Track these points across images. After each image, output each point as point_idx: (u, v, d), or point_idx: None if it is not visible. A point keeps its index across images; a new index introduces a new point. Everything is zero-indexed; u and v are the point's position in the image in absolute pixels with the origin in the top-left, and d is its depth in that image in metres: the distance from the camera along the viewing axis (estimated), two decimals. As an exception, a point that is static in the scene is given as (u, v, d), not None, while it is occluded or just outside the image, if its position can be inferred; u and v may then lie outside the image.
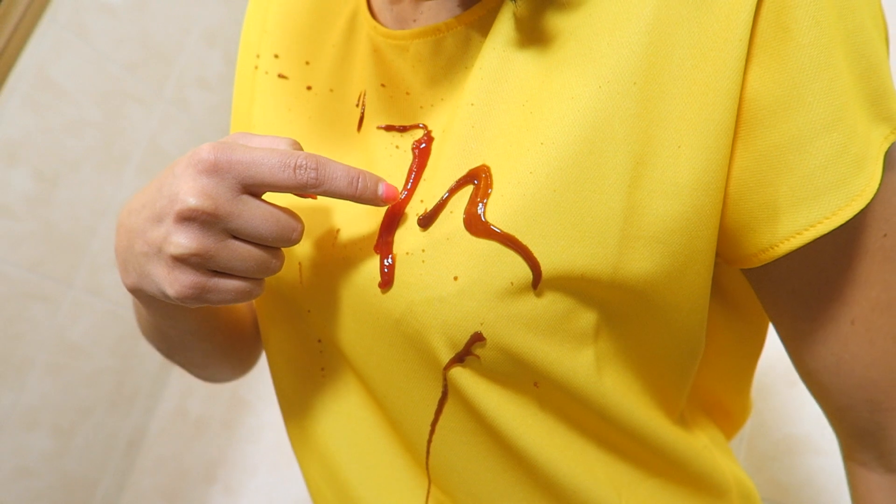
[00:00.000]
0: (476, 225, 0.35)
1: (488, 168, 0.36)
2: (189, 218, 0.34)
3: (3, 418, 1.11)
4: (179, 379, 1.29)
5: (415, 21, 0.43)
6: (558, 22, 0.36)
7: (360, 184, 0.37)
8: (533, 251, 0.34)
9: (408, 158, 0.41)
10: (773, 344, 0.47)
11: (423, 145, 0.40)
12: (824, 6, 0.32)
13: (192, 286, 0.35)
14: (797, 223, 0.33)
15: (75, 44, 1.13)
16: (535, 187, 0.34)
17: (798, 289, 0.37)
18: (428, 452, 0.41)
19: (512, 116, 0.36)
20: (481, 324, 0.35)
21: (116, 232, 0.41)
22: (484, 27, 0.39)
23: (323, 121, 0.47)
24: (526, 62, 0.37)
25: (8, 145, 1.07)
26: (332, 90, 0.47)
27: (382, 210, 0.40)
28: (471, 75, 0.38)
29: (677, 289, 0.36)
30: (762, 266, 0.37)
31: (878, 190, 0.34)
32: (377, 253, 0.39)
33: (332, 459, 0.46)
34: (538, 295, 0.35)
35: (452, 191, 0.37)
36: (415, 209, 0.38)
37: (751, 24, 0.32)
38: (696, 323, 0.40)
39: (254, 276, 0.37)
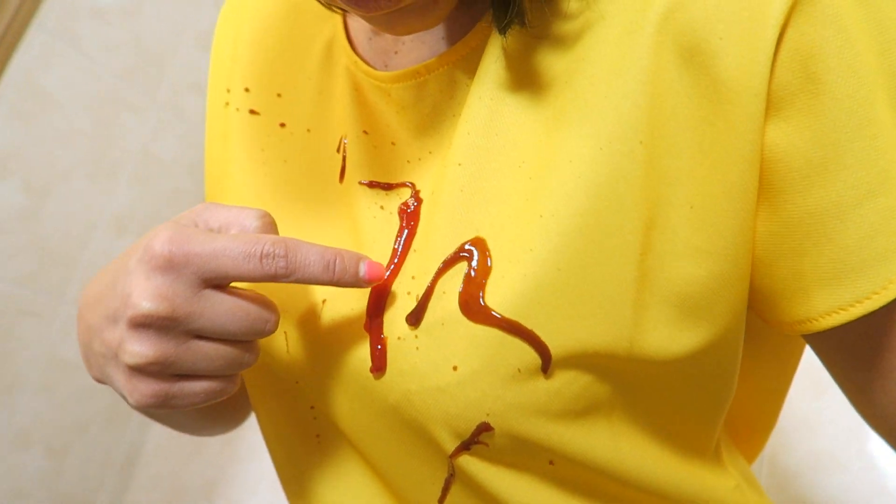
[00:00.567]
0: (474, 310, 0.31)
1: (484, 241, 0.32)
2: (143, 325, 0.30)
3: (-6, 439, 1.08)
4: (176, 394, 1.26)
5: (396, 53, 0.38)
6: (552, 63, 0.32)
7: (337, 267, 0.32)
8: (539, 335, 0.30)
9: (394, 222, 0.37)
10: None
11: (412, 209, 0.36)
12: (860, 49, 0.28)
13: (153, 395, 0.31)
14: (841, 298, 0.29)
15: (65, 50, 1.10)
16: (535, 266, 0.30)
17: (850, 344, 0.33)
18: None
19: (506, 179, 0.32)
20: (487, 414, 0.31)
21: (77, 320, 0.37)
22: (470, 67, 0.35)
23: (300, 166, 0.42)
24: (517, 113, 0.33)
25: (-4, 156, 1.03)
26: (309, 130, 0.43)
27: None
28: (457, 129, 0.34)
29: (702, 355, 0.32)
30: None
31: None
32: (366, 332, 0.35)
33: None
34: (549, 378, 0.31)
35: (443, 268, 0.33)
36: (405, 286, 0.34)
37: (768, 75, 0.28)
38: (727, 375, 0.36)
39: (224, 374, 0.33)
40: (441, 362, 0.32)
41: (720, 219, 0.30)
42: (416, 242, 0.35)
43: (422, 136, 0.37)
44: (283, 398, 0.43)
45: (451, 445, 0.33)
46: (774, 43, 0.28)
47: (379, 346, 0.34)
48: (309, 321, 0.38)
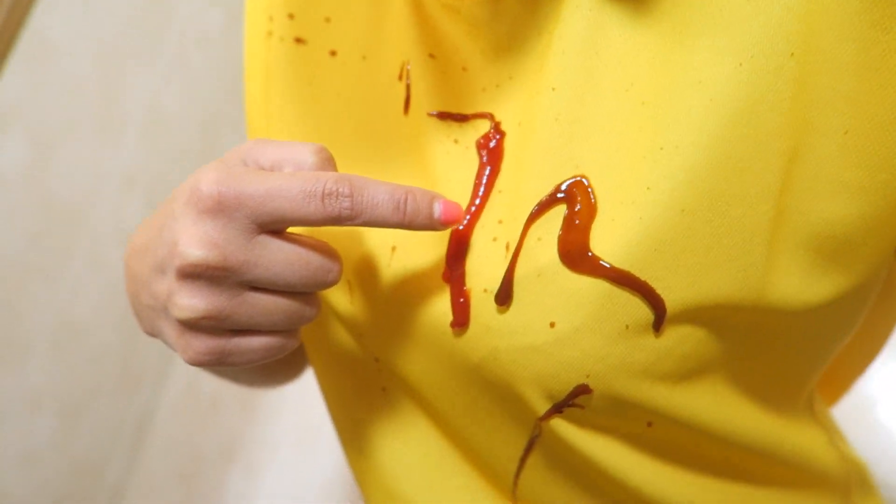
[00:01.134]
0: (577, 259, 0.27)
1: (587, 179, 0.28)
2: (193, 275, 0.27)
3: (5, 402, 1.05)
4: (188, 356, 1.23)
5: None
6: None
7: (409, 207, 0.29)
8: (655, 287, 0.27)
9: (471, 158, 0.33)
10: None
11: (493, 143, 0.32)
12: None
13: (208, 352, 0.28)
14: None
15: (67, -4, 1.04)
16: (654, 208, 0.26)
17: None
18: (516, 484, 0.35)
19: (613, 107, 0.28)
20: (587, 376, 0.28)
21: (124, 270, 0.33)
22: None
23: (357, 99, 0.38)
24: (625, 25, 0.28)
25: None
26: (364, 57, 0.38)
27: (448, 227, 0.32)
28: (551, 48, 0.30)
29: (835, 305, 0.29)
30: None
31: None
32: (446, 283, 0.32)
33: (400, 489, 0.39)
34: (660, 336, 0.28)
35: (537, 212, 0.29)
36: (490, 231, 0.31)
37: None
38: (852, 325, 0.33)
39: (283, 329, 0.30)
40: (536, 318, 0.28)
41: (879, 150, 0.26)
42: (502, 182, 0.32)
43: (499, 59, 0.33)
44: (345, 351, 0.40)
45: (541, 408, 0.30)
46: None
47: (461, 300, 0.31)
48: (376, 270, 0.35)
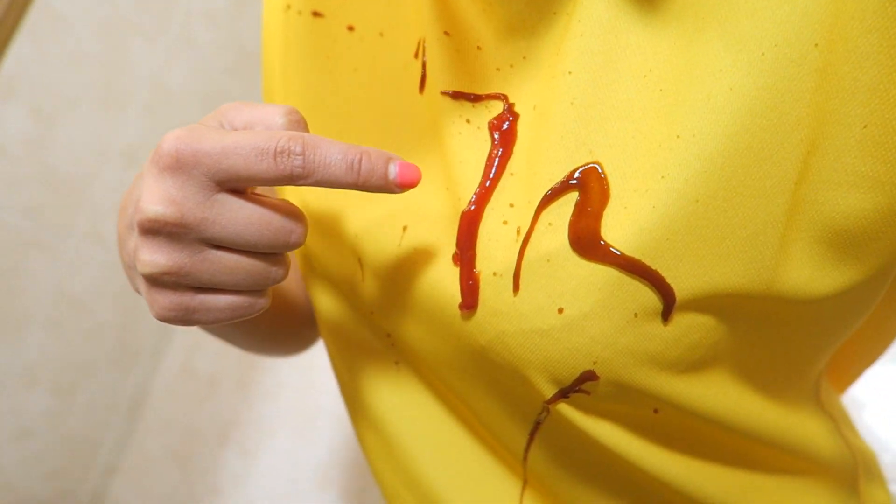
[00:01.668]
0: (588, 246, 0.27)
1: (601, 166, 0.28)
2: (152, 231, 0.27)
3: (0, 376, 1.04)
4: (185, 336, 1.22)
5: None
6: None
7: (363, 167, 0.28)
8: (665, 276, 0.27)
9: (483, 139, 0.33)
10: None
11: (506, 125, 0.32)
12: None
13: (172, 308, 0.29)
14: None
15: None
16: (668, 196, 0.26)
17: None
18: (526, 458, 0.35)
19: (630, 93, 0.28)
20: (594, 362, 0.28)
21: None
22: None
23: (373, 75, 0.38)
24: (647, 13, 0.28)
25: (2, 78, 0.97)
26: (381, 34, 0.38)
27: (458, 208, 0.32)
28: (569, 30, 0.29)
29: (845, 296, 0.29)
30: None
31: None
32: (455, 265, 0.31)
33: (413, 462, 0.39)
34: (668, 324, 0.28)
35: (549, 197, 0.29)
36: (500, 214, 0.31)
37: None
38: (861, 315, 0.33)
39: (250, 289, 0.30)
40: (545, 303, 0.28)
41: None
42: (515, 164, 0.31)
43: (513, 38, 0.32)
44: (356, 325, 0.40)
45: (548, 392, 0.30)
46: None
47: (470, 282, 0.31)
48: (386, 249, 0.35)
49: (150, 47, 1.14)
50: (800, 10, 0.25)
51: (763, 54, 0.25)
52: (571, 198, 0.28)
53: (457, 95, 0.34)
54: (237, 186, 0.28)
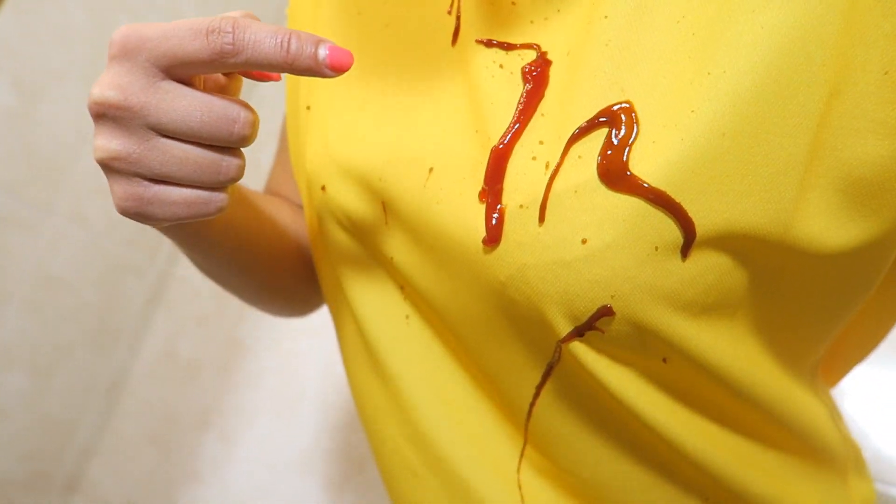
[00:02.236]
0: (616, 177, 0.28)
1: (632, 105, 0.29)
2: (99, 114, 0.30)
3: (-24, 355, 1.02)
4: (167, 319, 1.21)
5: None
6: None
7: (292, 46, 0.29)
8: (687, 209, 0.27)
9: (515, 83, 0.33)
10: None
11: (538, 71, 0.33)
12: None
13: (128, 197, 0.30)
14: None
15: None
16: (696, 130, 0.27)
17: None
18: (529, 415, 0.36)
19: (664, 36, 0.29)
20: (612, 296, 0.29)
21: None
22: None
23: (405, 31, 0.39)
24: None
25: (-16, 49, 0.95)
26: None
27: (486, 149, 0.32)
28: None
29: (859, 254, 0.30)
30: None
31: None
32: (483, 201, 0.32)
33: (420, 415, 0.40)
34: (685, 260, 0.28)
35: (579, 134, 0.30)
36: (529, 150, 0.31)
37: None
38: (872, 282, 0.34)
39: (205, 184, 0.31)
40: (569, 234, 0.29)
41: None
42: (546, 106, 0.32)
43: None
44: (371, 275, 0.40)
45: (563, 329, 0.31)
46: None
47: (496, 216, 0.31)
48: (413, 191, 0.36)
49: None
50: None
51: None
52: (601, 133, 0.29)
53: (490, 44, 0.35)
54: (182, 74, 0.30)
